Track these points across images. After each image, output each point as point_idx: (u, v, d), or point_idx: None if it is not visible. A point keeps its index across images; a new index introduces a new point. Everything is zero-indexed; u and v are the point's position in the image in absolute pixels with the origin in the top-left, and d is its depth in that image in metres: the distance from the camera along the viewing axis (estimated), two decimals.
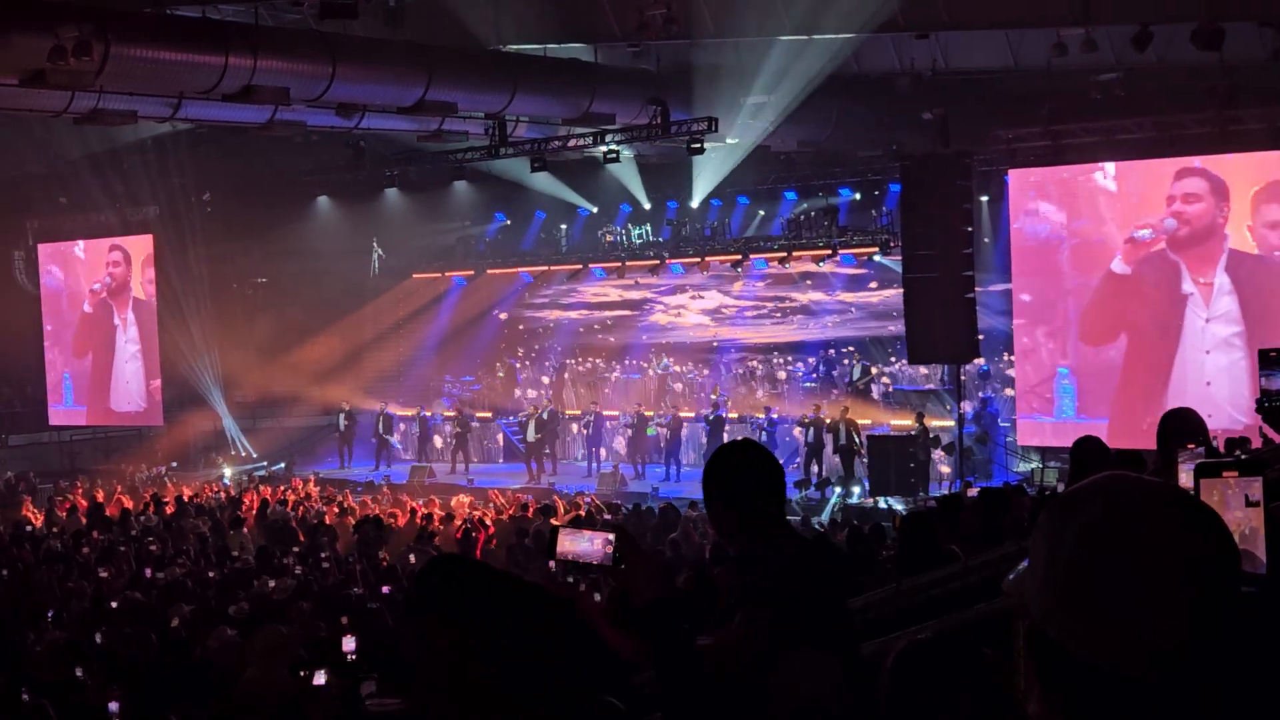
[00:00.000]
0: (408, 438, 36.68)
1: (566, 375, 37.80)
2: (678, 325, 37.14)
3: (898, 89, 27.73)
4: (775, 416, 30.80)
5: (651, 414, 32.79)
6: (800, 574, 4.36)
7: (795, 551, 4.44)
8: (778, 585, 4.29)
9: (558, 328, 39.11)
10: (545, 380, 37.79)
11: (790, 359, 34.84)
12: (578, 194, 35.77)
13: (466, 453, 34.47)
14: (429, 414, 36.41)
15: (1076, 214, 26.20)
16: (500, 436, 35.90)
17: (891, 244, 29.55)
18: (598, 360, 37.95)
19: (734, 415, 31.81)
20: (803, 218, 32.61)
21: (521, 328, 39.68)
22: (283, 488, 29.56)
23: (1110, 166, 25.95)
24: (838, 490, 27.22)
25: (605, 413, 33.97)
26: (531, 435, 32.64)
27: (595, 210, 36.47)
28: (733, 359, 35.81)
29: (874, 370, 31.85)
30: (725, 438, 28.97)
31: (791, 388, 33.84)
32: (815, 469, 28.56)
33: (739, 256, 33.53)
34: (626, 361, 37.38)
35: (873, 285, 33.00)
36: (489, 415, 36.49)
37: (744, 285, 35.44)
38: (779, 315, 35.20)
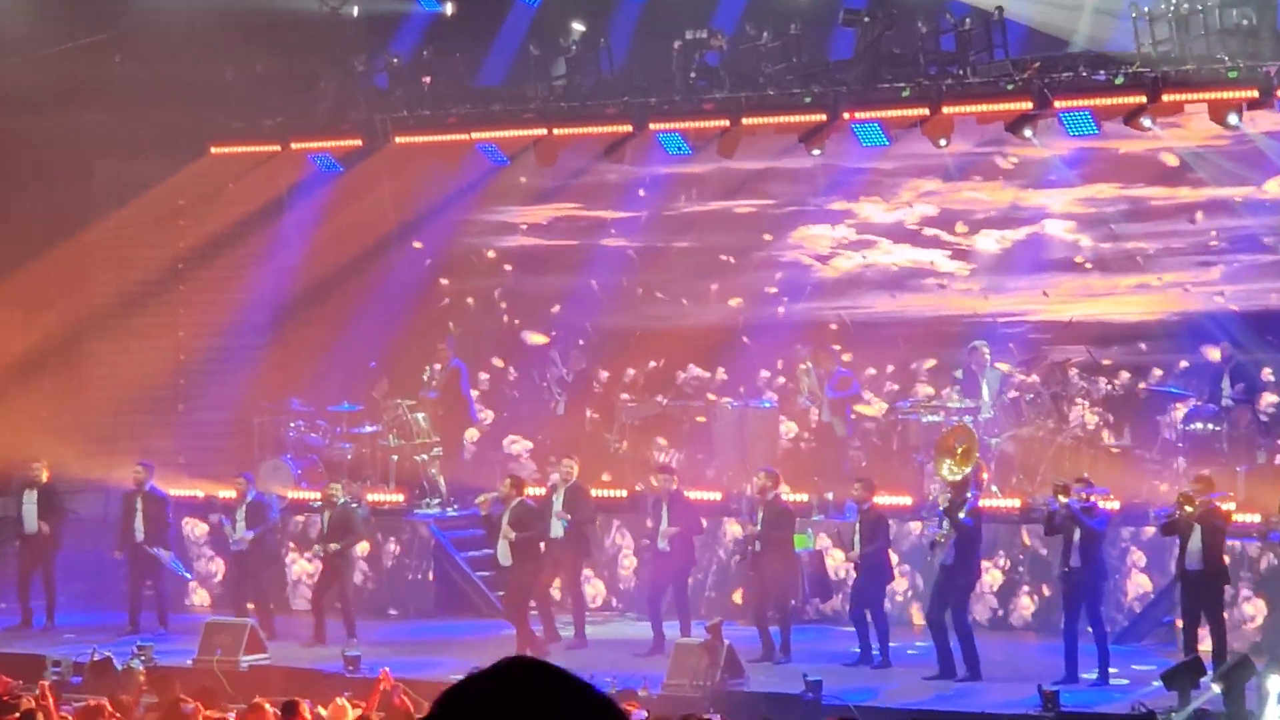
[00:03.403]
0: (195, 550, 27.88)
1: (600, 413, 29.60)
2: (855, 275, 28.03)
3: None
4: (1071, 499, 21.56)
5: (803, 500, 24.54)
6: None
7: None
8: None
9: (575, 281, 29.56)
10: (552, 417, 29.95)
11: (1151, 356, 25.84)
12: None
13: (343, 593, 24.97)
14: (249, 494, 26.43)
15: None
16: (430, 551, 26.69)
17: None
18: (663, 366, 28.53)
19: (1000, 499, 23.96)
20: (1188, 9, 24.17)
21: (485, 279, 30.26)
22: None
23: None
24: (1213, 690, 20.89)
25: (693, 495, 24.92)
26: (505, 555, 22.88)
27: None
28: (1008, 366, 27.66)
29: None
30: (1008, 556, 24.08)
31: (1147, 435, 25.18)
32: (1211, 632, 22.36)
33: (1027, 105, 24.58)
34: (737, 365, 28.13)
35: None
36: (397, 499, 27.25)
37: (1039, 179, 26.73)
38: (1121, 258, 26.78)
